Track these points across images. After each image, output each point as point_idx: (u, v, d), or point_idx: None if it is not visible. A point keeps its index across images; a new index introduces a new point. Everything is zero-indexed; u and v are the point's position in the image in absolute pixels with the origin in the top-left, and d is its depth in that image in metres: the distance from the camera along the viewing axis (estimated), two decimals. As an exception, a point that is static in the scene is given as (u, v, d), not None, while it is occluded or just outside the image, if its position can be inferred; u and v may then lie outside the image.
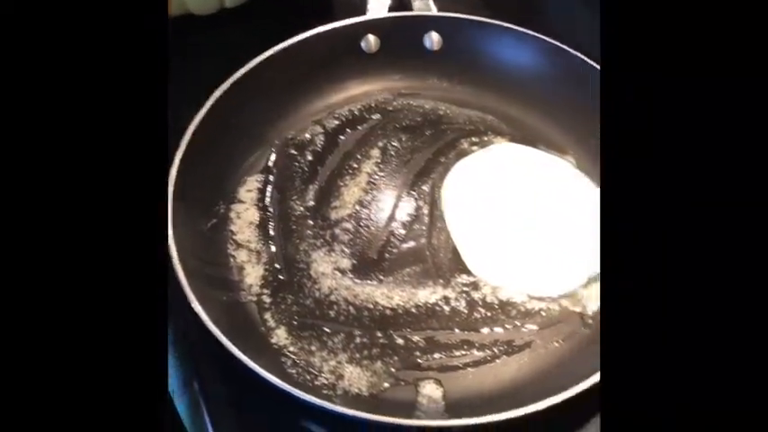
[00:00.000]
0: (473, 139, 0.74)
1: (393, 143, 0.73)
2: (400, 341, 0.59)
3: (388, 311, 0.61)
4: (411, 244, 0.65)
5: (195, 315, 0.55)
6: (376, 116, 0.76)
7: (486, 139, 0.74)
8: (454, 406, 0.55)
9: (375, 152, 0.72)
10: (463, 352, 0.58)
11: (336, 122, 0.75)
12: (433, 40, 0.77)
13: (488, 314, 0.60)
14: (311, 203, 0.68)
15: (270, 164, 0.71)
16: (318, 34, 0.74)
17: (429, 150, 0.73)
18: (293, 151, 0.72)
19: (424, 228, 0.66)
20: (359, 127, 0.74)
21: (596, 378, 0.52)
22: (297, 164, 0.71)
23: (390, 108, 0.76)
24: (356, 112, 0.76)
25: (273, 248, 0.65)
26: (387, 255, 0.64)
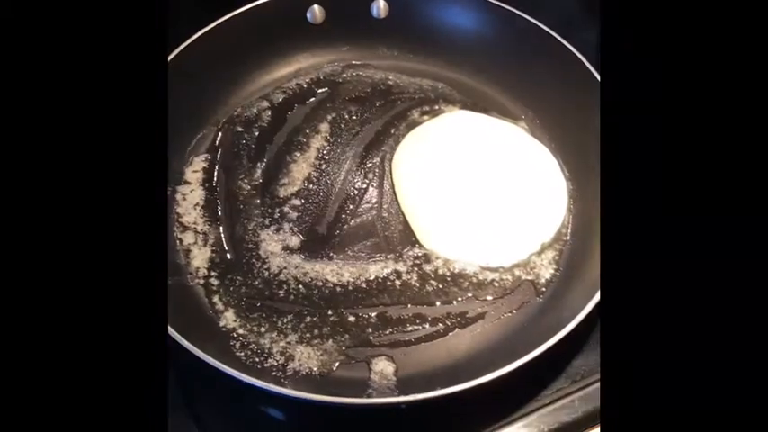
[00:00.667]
0: (424, 108, 0.72)
1: (342, 115, 0.71)
2: (351, 318, 0.58)
3: (338, 288, 0.59)
4: (361, 219, 0.64)
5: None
6: (324, 89, 0.74)
7: (437, 108, 0.72)
8: (406, 382, 0.54)
9: (324, 126, 0.70)
10: (415, 327, 0.57)
11: (284, 97, 0.73)
12: (379, 7, 0.75)
13: (440, 287, 0.59)
14: (259, 182, 0.66)
15: (216, 143, 0.69)
16: (261, 5, 0.72)
17: (379, 122, 0.71)
18: (240, 128, 0.70)
19: (374, 202, 0.65)
20: (307, 101, 0.72)
21: (548, 344, 0.51)
22: (244, 141, 0.69)
23: (339, 80, 0.74)
24: (304, 86, 0.74)
25: (221, 230, 0.63)
26: (337, 231, 0.63)
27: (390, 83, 0.74)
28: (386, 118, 0.71)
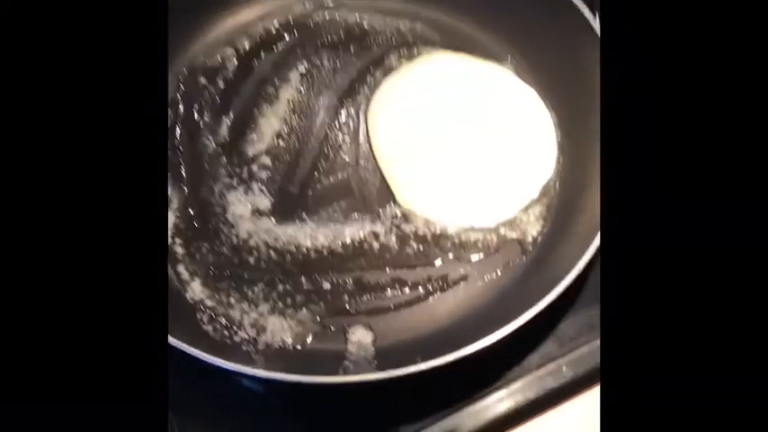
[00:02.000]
0: (402, 51, 0.66)
1: (314, 63, 0.66)
2: (326, 285, 0.54)
3: (312, 254, 0.56)
4: (336, 176, 0.60)
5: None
6: (294, 34, 0.68)
7: (415, 51, 0.66)
8: (385, 352, 0.51)
9: (294, 75, 0.65)
10: (395, 291, 0.54)
11: (250, 43, 0.67)
12: (351, -60, 0.68)
13: (421, 248, 0.56)
14: (225, 139, 0.62)
15: (177, 96, 0.64)
16: (221, -60, 0.66)
17: (353, 70, 0.66)
18: (202, 80, 0.65)
19: (349, 157, 0.60)
20: (275, 47, 0.67)
21: (538, 308, 0.48)
22: (207, 94, 0.64)
23: (310, 23, 0.68)
24: (272, 30, 0.68)
25: (185, 192, 0.59)
26: (310, 191, 0.59)
27: (365, 26, 0.68)
28: (360, 64, 0.66)
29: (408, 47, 0.67)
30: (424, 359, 0.48)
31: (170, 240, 0.57)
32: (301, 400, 0.51)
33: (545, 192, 0.58)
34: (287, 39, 0.68)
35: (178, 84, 0.64)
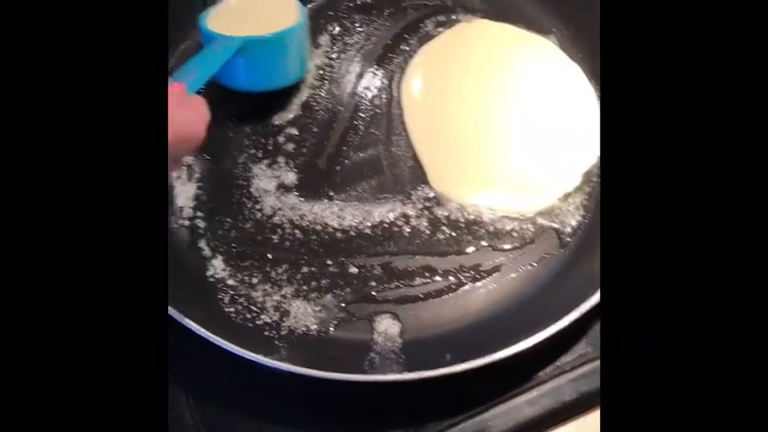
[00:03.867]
0: (439, 18, 0.62)
1: (345, 27, 0.62)
2: (353, 270, 0.52)
3: (339, 234, 0.53)
4: (366, 152, 0.56)
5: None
6: (324, -7, 0.64)
7: (454, 17, 0.62)
8: (412, 345, 0.49)
9: (324, 39, 0.61)
10: (424, 280, 0.52)
11: None
12: None
13: (453, 234, 0.53)
14: (250, 106, 0.58)
15: (200, 56, 0.60)
16: None
17: (387, 35, 0.62)
18: (227, 40, 0.61)
19: (380, 132, 0.57)
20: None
21: (579, 312, 0.46)
22: (232, 56, 0.60)
23: (342, -18, 0.64)
24: (302, -12, 0.64)
25: (207, 162, 0.56)
26: (338, 166, 0.56)
27: (401, -14, 0.64)
28: (395, 30, 0.62)
29: (446, 13, 0.63)
30: (454, 356, 0.47)
31: (191, 213, 0.54)
32: (324, 390, 0.49)
33: (587, 179, 0.55)
34: (317, -2, 0.63)
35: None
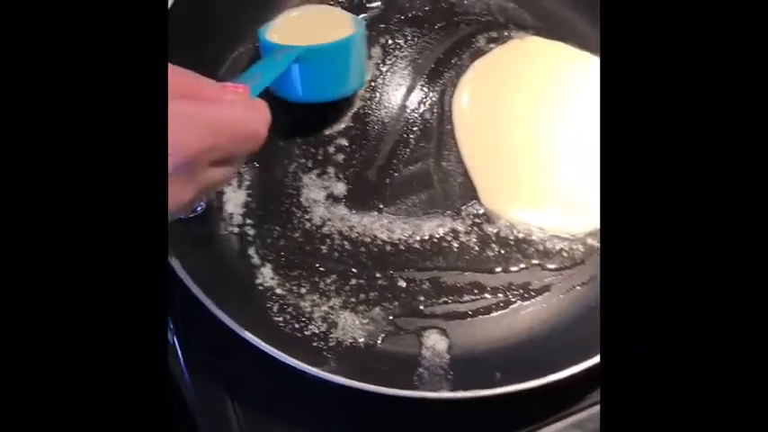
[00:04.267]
0: (491, 34, 0.62)
1: (397, 39, 0.62)
2: (402, 283, 0.52)
3: (388, 247, 0.53)
4: (416, 166, 0.56)
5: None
6: (377, 4, 0.64)
7: (506, 33, 0.62)
8: (460, 362, 0.49)
9: (375, 51, 0.61)
10: (472, 296, 0.52)
11: (330, 12, 0.63)
12: None
13: (502, 252, 0.53)
14: (301, 115, 0.58)
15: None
16: None
17: (439, 49, 0.62)
18: (280, 49, 0.61)
19: (431, 147, 0.57)
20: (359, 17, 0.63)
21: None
22: (284, 65, 0.61)
23: (395, -6, 0.64)
24: (354, 0, 0.64)
25: (257, 170, 0.56)
26: (387, 179, 0.56)
27: (454, 0, 0.64)
28: (447, 44, 0.62)
29: (499, 29, 0.63)
30: (504, 375, 0.46)
31: (241, 220, 0.54)
32: (371, 403, 0.49)
33: (638, 202, 0.54)
34: (368, 9, 0.64)
35: (256, 50, 0.61)
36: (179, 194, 0.36)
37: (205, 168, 0.37)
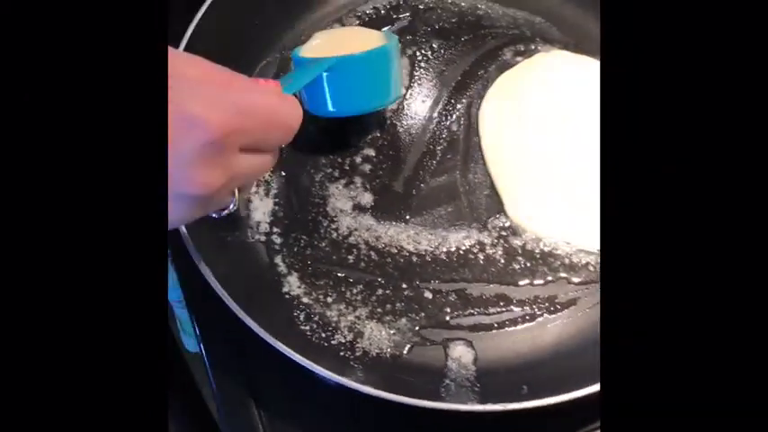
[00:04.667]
0: (518, 47, 0.63)
1: (424, 51, 0.62)
2: (428, 294, 0.52)
3: (414, 258, 0.53)
4: (443, 178, 0.57)
5: (192, 260, 0.48)
6: (404, 15, 0.64)
7: (533, 47, 0.63)
8: (487, 374, 0.49)
9: (403, 62, 0.62)
10: (499, 309, 0.52)
11: (357, 23, 0.64)
12: None
13: (528, 265, 0.53)
14: (328, 125, 0.59)
15: (282, 74, 0.61)
16: None
17: (466, 61, 0.62)
18: (307, 59, 0.62)
19: (458, 159, 0.57)
20: (384, 29, 0.63)
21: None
22: (312, 75, 0.61)
23: (421, 6, 0.65)
24: (381, 11, 0.64)
25: (284, 179, 0.57)
26: (414, 190, 0.56)
27: (480, 13, 0.64)
28: (474, 57, 0.62)
29: (525, 42, 0.63)
30: (530, 388, 0.46)
31: (267, 228, 0.55)
32: (397, 414, 0.49)
33: (665, 217, 0.54)
34: (396, 20, 0.64)
35: (283, 59, 0.62)
36: (208, 177, 0.35)
37: (235, 153, 0.37)
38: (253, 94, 0.38)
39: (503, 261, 0.53)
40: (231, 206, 0.47)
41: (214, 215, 0.49)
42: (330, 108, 0.53)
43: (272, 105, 0.39)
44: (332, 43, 0.55)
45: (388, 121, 0.59)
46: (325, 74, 0.51)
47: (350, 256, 0.53)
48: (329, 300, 0.52)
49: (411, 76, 0.61)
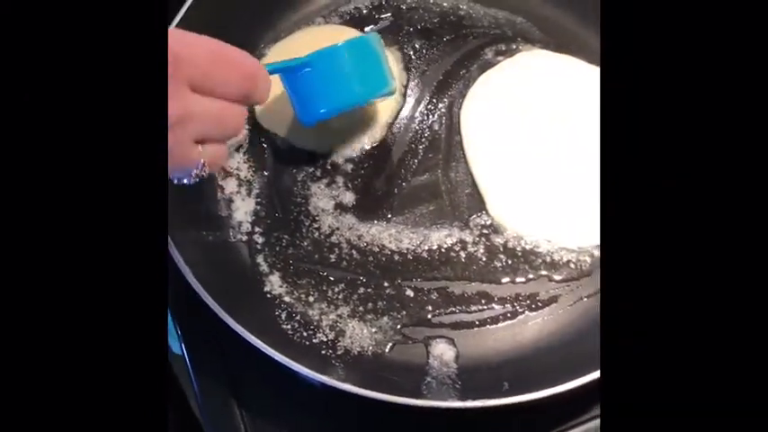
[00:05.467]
0: (499, 46, 0.63)
1: (406, 51, 0.63)
2: (410, 293, 0.52)
3: (396, 257, 0.53)
4: (425, 177, 0.57)
5: (173, 260, 0.48)
6: (386, 15, 0.64)
7: (514, 46, 0.63)
8: (468, 371, 0.49)
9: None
10: (480, 307, 0.52)
11: (339, 22, 0.64)
12: None
13: (510, 263, 0.53)
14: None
15: (262, 74, 0.61)
16: None
17: (447, 61, 0.62)
18: (289, 59, 0.62)
19: (440, 157, 0.58)
20: (366, 29, 0.63)
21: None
22: (293, 74, 0.61)
23: (403, 6, 0.65)
24: (363, 11, 0.64)
25: (266, 178, 0.57)
26: (396, 189, 0.56)
27: (462, 13, 0.65)
28: (455, 56, 0.62)
29: (506, 42, 0.63)
30: (511, 385, 0.47)
31: (249, 228, 0.55)
32: (378, 412, 0.49)
33: (645, 214, 0.55)
34: (378, 20, 0.64)
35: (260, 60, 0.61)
36: (172, 104, 0.35)
37: (185, 86, 0.37)
38: (225, 45, 0.38)
39: (484, 259, 0.53)
40: (197, 170, 0.42)
41: (178, 179, 0.43)
42: (321, 109, 0.51)
43: (220, 44, 0.39)
44: (306, 43, 0.55)
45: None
46: (308, 69, 0.50)
47: (332, 255, 0.53)
48: (311, 299, 0.52)
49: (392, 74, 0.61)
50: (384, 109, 0.59)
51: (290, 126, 0.58)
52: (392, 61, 0.59)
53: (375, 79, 0.53)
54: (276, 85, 0.48)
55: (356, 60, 0.52)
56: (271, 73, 0.46)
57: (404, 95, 0.60)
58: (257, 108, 0.58)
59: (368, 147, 0.58)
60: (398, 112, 0.59)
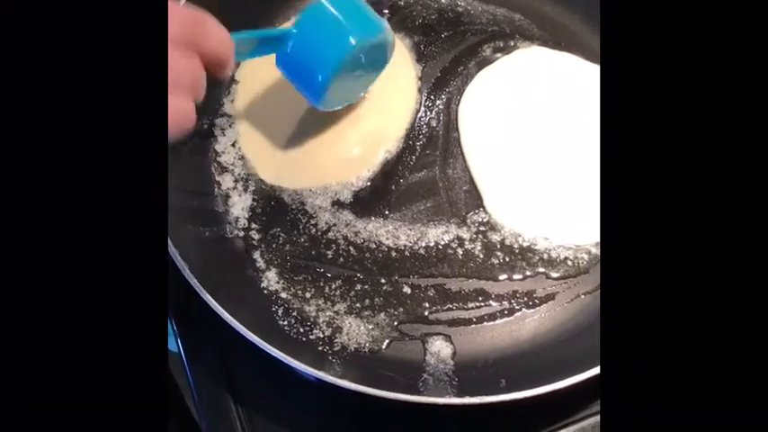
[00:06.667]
0: (497, 43, 0.63)
1: (404, 47, 0.62)
2: (407, 289, 0.52)
3: (393, 253, 0.53)
4: (422, 174, 0.57)
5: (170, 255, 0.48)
6: (384, 12, 0.64)
7: (512, 43, 0.63)
8: (465, 368, 0.49)
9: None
10: (477, 304, 0.52)
11: (338, 19, 0.63)
12: None
13: (507, 260, 0.53)
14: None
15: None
16: None
17: (446, 57, 0.62)
18: (286, 55, 0.62)
19: (437, 154, 0.57)
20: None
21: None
22: (291, 70, 0.61)
23: (401, 2, 0.65)
24: (362, 7, 0.64)
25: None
26: (393, 186, 0.56)
27: (460, 9, 0.64)
28: (453, 53, 0.62)
29: (504, 38, 0.63)
30: (508, 382, 0.47)
31: (246, 223, 0.55)
32: (375, 408, 0.49)
33: (642, 212, 0.55)
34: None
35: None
36: None
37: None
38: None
39: (482, 256, 0.53)
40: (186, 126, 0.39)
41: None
42: (319, 76, 0.49)
43: (204, 15, 0.40)
44: None
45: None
46: (293, 43, 0.49)
47: (329, 252, 0.53)
48: (308, 295, 0.52)
49: (391, 71, 0.61)
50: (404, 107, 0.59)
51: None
52: (403, 50, 0.60)
53: (364, 23, 0.51)
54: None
55: (338, 9, 0.50)
56: (239, 42, 0.44)
57: (420, 90, 0.60)
58: (260, 168, 0.57)
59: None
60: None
